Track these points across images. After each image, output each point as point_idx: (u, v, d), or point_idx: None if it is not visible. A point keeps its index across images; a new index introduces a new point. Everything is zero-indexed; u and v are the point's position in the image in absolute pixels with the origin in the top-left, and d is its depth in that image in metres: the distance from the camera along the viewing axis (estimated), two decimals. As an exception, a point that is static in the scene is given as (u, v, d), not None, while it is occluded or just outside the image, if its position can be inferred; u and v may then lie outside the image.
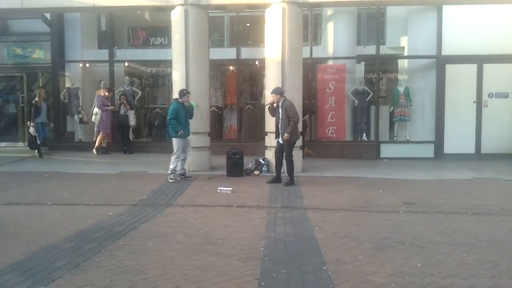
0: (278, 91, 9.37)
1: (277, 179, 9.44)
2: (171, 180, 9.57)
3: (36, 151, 12.90)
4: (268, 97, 10.13)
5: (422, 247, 5.41)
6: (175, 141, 9.80)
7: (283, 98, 9.33)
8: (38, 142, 12.86)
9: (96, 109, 13.52)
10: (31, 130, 12.72)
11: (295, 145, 9.95)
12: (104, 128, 13.49)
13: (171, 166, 9.70)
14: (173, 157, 9.76)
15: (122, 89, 14.21)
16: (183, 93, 9.87)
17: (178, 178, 9.77)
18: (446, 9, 12.84)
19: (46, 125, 13.48)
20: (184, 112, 9.84)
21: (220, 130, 14.59)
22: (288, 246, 5.45)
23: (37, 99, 12.89)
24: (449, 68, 13.03)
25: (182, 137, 9.75)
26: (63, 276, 4.39)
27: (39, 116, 12.89)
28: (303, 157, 11.12)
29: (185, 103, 9.83)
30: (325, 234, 5.92)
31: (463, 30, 12.80)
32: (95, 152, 13.32)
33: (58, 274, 4.44)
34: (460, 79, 13.05)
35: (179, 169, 9.82)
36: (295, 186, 9.09)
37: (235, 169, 10.23)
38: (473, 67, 12.95)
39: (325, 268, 4.68)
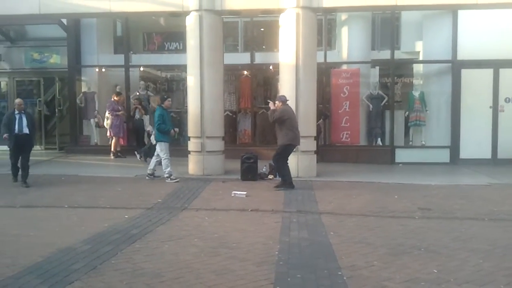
0: (282, 99, 9.47)
1: (288, 185, 9.38)
2: (173, 181, 9.95)
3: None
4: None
5: (438, 253, 5.38)
6: (163, 145, 10.12)
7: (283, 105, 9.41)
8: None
9: (107, 114, 13.66)
10: (153, 139, 12.03)
11: (308, 149, 10.02)
12: (116, 133, 13.60)
13: (168, 169, 10.07)
14: (165, 161, 10.10)
15: (138, 94, 14.34)
16: (164, 98, 10.53)
17: (147, 178, 10.29)
18: (462, 13, 12.76)
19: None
20: (168, 117, 10.32)
21: (234, 134, 14.64)
22: (303, 250, 5.45)
23: (154, 105, 12.51)
24: (465, 73, 12.94)
25: (169, 140, 10.20)
26: (80, 279, 4.45)
27: None
28: (317, 161, 11.10)
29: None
30: (340, 239, 5.91)
31: (479, 35, 12.70)
32: (112, 157, 13.46)
33: (76, 276, 4.50)
34: (476, 84, 12.95)
35: (152, 168, 10.34)
36: (309, 191, 9.09)
37: (249, 173, 10.26)
38: (489, 72, 12.84)
39: (340, 273, 4.67)
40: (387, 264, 4.97)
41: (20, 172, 9.79)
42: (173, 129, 10.42)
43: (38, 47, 15.39)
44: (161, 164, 10.22)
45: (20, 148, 9.66)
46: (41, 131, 15.73)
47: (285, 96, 9.72)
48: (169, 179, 10.01)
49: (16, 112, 9.64)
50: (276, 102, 9.51)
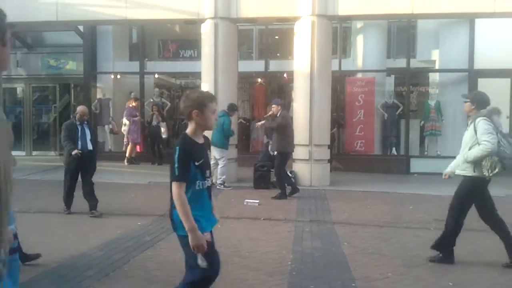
0: (279, 102, 9.59)
1: (294, 190, 9.35)
2: (227, 188, 9.97)
3: None
4: (296, 109, 10.39)
5: (453, 266, 5.29)
6: (224, 152, 10.12)
7: (281, 109, 9.46)
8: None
9: (124, 120, 13.73)
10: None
11: (321, 158, 9.93)
12: (133, 139, 13.66)
13: (224, 177, 10.09)
14: (224, 168, 10.12)
15: (152, 101, 14.42)
16: (233, 108, 10.27)
17: (222, 187, 10.15)
18: (479, 22, 12.65)
19: None
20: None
21: (247, 142, 14.64)
22: (316, 261, 5.39)
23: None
24: (482, 82, 12.76)
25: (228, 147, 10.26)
26: (93, 285, 4.45)
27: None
28: (331, 170, 11.04)
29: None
30: (353, 250, 5.84)
31: (496, 44, 12.57)
32: (126, 163, 13.50)
33: (89, 283, 4.50)
34: (492, 93, 12.49)
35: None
36: (322, 200, 9.02)
37: (262, 181, 10.23)
38: (506, 82, 12.70)
39: (354, 284, 4.61)
40: (401, 276, 4.90)
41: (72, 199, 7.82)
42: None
43: (55, 53, 15.57)
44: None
45: (81, 169, 7.58)
46: (56, 136, 15.88)
47: (280, 99, 9.91)
48: (222, 186, 10.02)
49: (78, 122, 7.52)
50: (274, 106, 9.53)
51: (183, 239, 3.18)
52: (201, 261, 3.10)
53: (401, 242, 6.28)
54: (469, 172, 5.29)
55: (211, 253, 3.21)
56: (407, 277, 4.87)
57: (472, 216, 7.92)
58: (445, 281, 4.76)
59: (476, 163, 5.18)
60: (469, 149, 5.25)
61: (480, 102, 5.40)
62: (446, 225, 5.48)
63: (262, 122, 10.00)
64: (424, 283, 4.72)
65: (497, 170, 5.12)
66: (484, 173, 5.15)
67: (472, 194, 5.37)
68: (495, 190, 10.61)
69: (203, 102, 3.19)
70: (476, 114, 5.31)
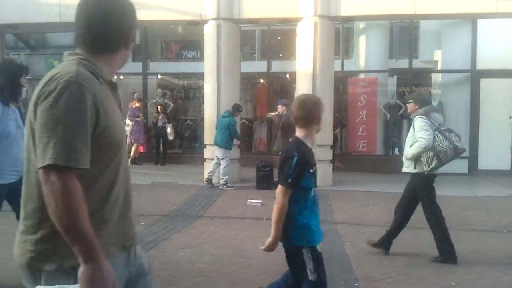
0: (285, 103, 9.58)
1: None
2: (230, 189, 9.97)
3: None
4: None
5: (456, 266, 5.30)
6: (228, 152, 10.14)
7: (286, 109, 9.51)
8: None
9: (127, 121, 13.75)
10: None
11: (324, 158, 9.94)
12: (136, 139, 13.68)
13: (226, 177, 10.09)
14: (226, 168, 10.13)
15: (155, 101, 14.44)
16: (238, 109, 10.39)
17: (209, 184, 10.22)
18: (481, 22, 12.64)
19: None
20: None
21: (250, 143, 14.66)
22: (319, 260, 5.40)
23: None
24: (484, 83, 12.78)
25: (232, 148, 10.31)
26: (97, 285, 4.46)
27: None
28: (333, 171, 11.05)
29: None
30: (356, 250, 5.86)
31: (498, 44, 12.53)
32: (129, 164, 13.47)
33: (92, 282, 4.51)
34: (495, 94, 12.78)
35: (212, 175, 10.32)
36: (325, 200, 9.02)
37: (265, 181, 10.24)
38: (509, 82, 12.67)
39: (357, 284, 4.63)
40: (404, 276, 4.91)
41: None
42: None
43: (58, 54, 15.57)
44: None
45: None
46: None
47: (286, 100, 9.93)
48: (225, 186, 10.04)
49: None
50: (279, 106, 9.57)
51: (296, 250, 3.17)
52: (310, 274, 3.12)
53: (403, 242, 6.26)
54: (411, 169, 5.52)
55: (320, 265, 3.19)
56: (409, 277, 4.89)
57: (474, 216, 7.97)
58: (447, 281, 4.77)
59: (416, 159, 5.39)
60: (410, 147, 5.41)
61: (422, 102, 5.60)
62: (431, 228, 5.55)
63: (274, 113, 10.01)
64: (427, 282, 4.73)
65: (433, 165, 5.29)
66: (424, 169, 5.32)
67: (427, 187, 5.56)
68: (496, 190, 10.72)
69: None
70: (415, 113, 5.43)
